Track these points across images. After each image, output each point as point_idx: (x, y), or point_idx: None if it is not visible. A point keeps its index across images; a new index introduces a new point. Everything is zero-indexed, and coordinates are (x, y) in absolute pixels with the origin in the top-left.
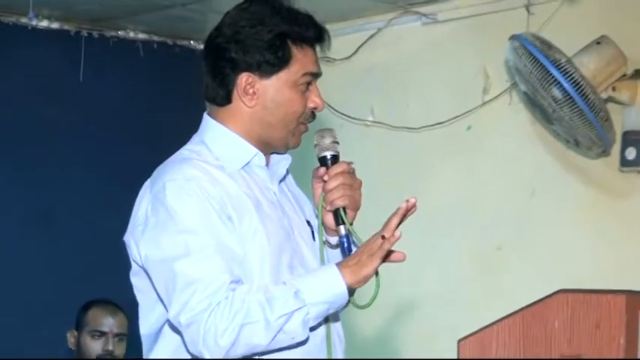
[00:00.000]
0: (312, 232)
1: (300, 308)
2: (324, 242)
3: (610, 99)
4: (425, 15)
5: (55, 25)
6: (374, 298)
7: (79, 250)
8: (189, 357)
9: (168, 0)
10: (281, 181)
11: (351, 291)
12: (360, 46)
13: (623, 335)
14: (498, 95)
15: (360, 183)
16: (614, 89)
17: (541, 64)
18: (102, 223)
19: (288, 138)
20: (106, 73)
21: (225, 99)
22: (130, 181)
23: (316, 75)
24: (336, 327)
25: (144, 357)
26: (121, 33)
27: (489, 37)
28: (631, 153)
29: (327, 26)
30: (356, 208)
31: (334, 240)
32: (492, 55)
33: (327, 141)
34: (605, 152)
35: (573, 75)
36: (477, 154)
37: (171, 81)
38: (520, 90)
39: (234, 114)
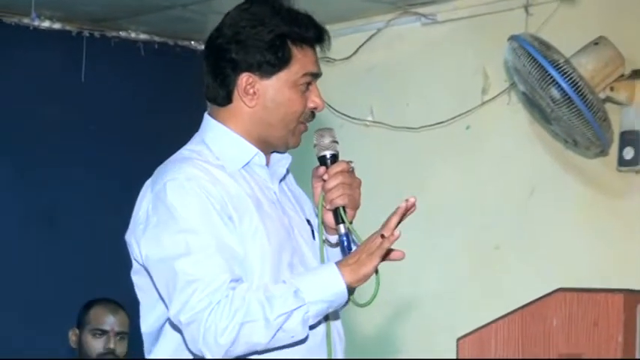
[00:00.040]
0: (312, 231)
1: (299, 307)
2: (324, 241)
3: (608, 99)
4: (424, 15)
5: (56, 26)
6: (374, 296)
7: (80, 250)
8: (190, 355)
9: (169, 1)
10: (281, 180)
11: (351, 290)
12: (360, 46)
13: (621, 333)
14: (497, 95)
15: (360, 182)
16: (612, 89)
17: (540, 64)
18: (103, 223)
19: (288, 137)
20: (107, 74)
21: (226, 99)
22: (130, 181)
23: (316, 75)
24: (336, 325)
25: (145, 355)
26: (122, 33)
27: (488, 37)
28: (629, 153)
29: (327, 27)
30: (355, 207)
31: (334, 239)
32: (491, 55)
33: (327, 140)
34: (603, 152)
35: (571, 75)
36: (476, 153)
37: (172, 81)
38: (519, 90)
39: (234, 114)
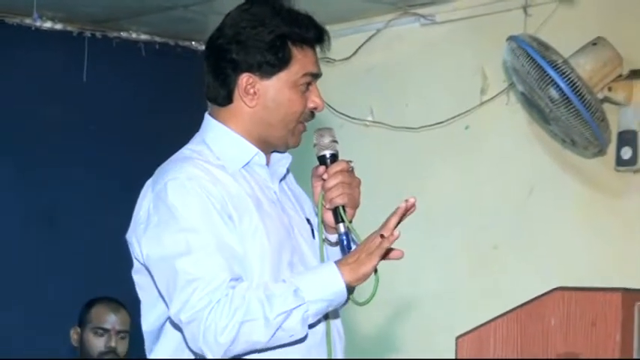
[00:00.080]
0: (312, 230)
1: (299, 306)
2: (323, 240)
3: (606, 99)
4: (423, 16)
5: (58, 26)
6: (372, 295)
7: (82, 249)
8: (191, 353)
9: (170, 1)
10: (281, 179)
11: (350, 289)
12: (360, 47)
13: (619, 332)
14: (496, 95)
15: (359, 181)
16: (610, 89)
17: (538, 64)
18: (104, 222)
19: (287, 137)
20: (108, 74)
21: (227, 99)
22: (131, 181)
23: (316, 75)
24: (336, 324)
25: (146, 354)
26: (123, 34)
27: (487, 38)
28: (627, 152)
29: (327, 27)
30: (355, 206)
31: (334, 238)
32: (490, 55)
33: (326, 140)
34: (601, 152)
35: (570, 75)
36: (475, 153)
37: (173, 81)
38: (517, 90)
39: (235, 114)
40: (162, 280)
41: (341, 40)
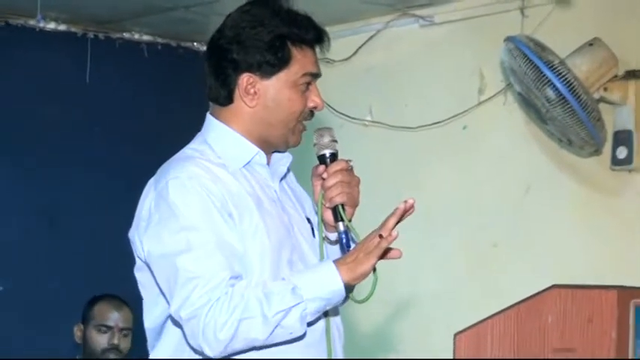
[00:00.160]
0: (312, 228)
1: (297, 304)
2: (323, 238)
3: (602, 99)
4: (422, 17)
5: (62, 27)
6: (371, 293)
7: (85, 247)
8: (192, 350)
9: (171, 3)
10: (282, 179)
11: (349, 287)
12: (359, 47)
13: (614, 329)
14: (493, 95)
15: (359, 180)
16: (605, 90)
17: (535, 65)
18: (107, 220)
19: (288, 136)
20: (111, 75)
21: (227, 99)
22: (134, 180)
23: (316, 75)
24: (336, 321)
25: (149, 350)
26: (126, 35)
27: (485, 39)
28: (622, 152)
29: (327, 28)
30: (354, 205)
31: (333, 236)
32: (488, 56)
33: (326, 139)
34: (597, 151)
35: (566, 76)
36: (473, 153)
37: (175, 82)
38: (515, 90)
39: (235, 114)
40: (162, 278)
41: (340, 41)
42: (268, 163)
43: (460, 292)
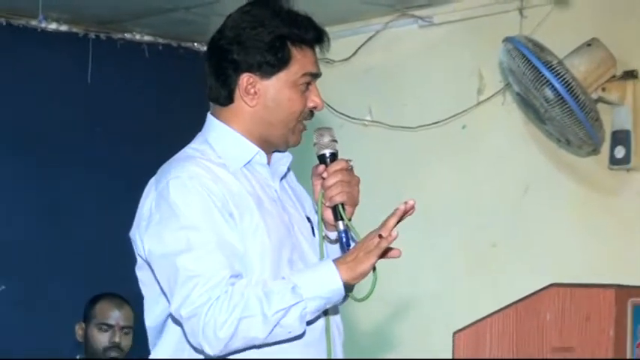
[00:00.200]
0: (312, 227)
1: (297, 303)
2: (323, 237)
3: (600, 99)
4: (421, 18)
5: (63, 28)
6: (370, 292)
7: (86, 246)
8: (192, 349)
9: (172, 4)
10: (282, 178)
11: (349, 286)
12: (359, 48)
13: (612, 327)
14: (492, 96)
15: (358, 180)
16: (603, 90)
17: (533, 65)
18: (108, 220)
19: (288, 136)
20: (112, 75)
21: (228, 99)
22: (135, 179)
23: (316, 75)
24: (336, 320)
25: (150, 348)
26: (127, 35)
27: (484, 39)
28: (620, 152)
29: (327, 28)
30: (354, 204)
31: (333, 235)
32: (487, 56)
33: (326, 139)
34: (595, 151)
35: (564, 76)
36: (472, 153)
37: (176, 82)
38: (513, 91)
39: (236, 113)
40: (163, 277)
41: (340, 42)
42: (268, 163)
43: (459, 292)
